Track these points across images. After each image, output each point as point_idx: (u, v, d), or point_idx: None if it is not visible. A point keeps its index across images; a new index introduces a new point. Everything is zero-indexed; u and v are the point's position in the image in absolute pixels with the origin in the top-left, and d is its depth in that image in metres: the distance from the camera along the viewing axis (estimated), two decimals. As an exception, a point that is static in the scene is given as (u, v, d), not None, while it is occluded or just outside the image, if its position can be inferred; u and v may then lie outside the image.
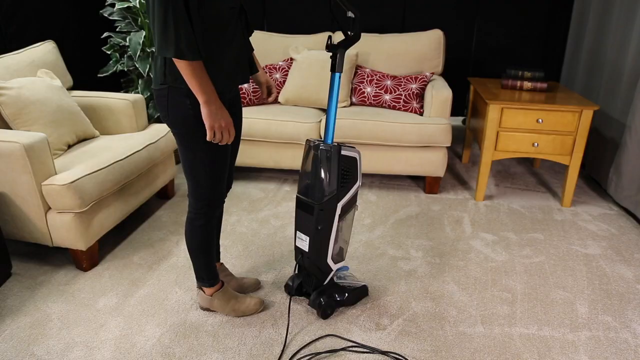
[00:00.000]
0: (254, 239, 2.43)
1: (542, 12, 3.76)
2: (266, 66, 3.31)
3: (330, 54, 1.69)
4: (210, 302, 1.85)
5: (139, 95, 2.70)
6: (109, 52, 3.25)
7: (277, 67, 3.30)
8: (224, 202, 1.75)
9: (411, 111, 3.01)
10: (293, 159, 3.00)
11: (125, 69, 3.21)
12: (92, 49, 3.69)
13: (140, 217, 2.65)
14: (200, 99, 1.46)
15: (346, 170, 1.71)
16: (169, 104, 1.54)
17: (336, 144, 1.67)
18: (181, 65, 1.41)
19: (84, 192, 2.01)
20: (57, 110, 2.31)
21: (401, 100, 3.03)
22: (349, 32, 1.68)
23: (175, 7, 1.36)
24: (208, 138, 1.51)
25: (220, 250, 2.32)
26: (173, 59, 1.42)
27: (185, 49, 1.39)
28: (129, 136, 2.53)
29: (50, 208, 2.04)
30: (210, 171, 1.62)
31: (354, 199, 1.80)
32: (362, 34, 3.38)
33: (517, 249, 2.36)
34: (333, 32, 3.79)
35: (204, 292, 1.85)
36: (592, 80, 3.23)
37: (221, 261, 2.22)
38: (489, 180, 3.20)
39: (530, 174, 3.32)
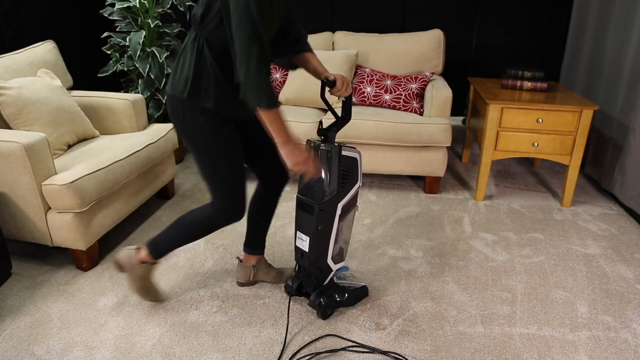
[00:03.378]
0: (254, 239, 2.43)
1: (542, 12, 3.76)
2: (266, 66, 3.31)
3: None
4: (131, 270, 1.83)
5: (139, 95, 2.70)
6: (109, 52, 3.25)
7: (277, 66, 3.30)
8: (245, 208, 1.77)
9: (411, 111, 3.01)
10: (293, 159, 2.99)
11: (125, 69, 3.21)
12: (92, 49, 3.70)
13: (140, 217, 2.65)
14: (279, 140, 1.53)
15: (346, 170, 1.71)
16: (185, 119, 1.60)
17: (337, 144, 1.67)
18: (265, 113, 1.48)
19: (84, 192, 2.01)
20: (57, 110, 2.31)
21: (401, 100, 3.03)
22: (340, 115, 1.72)
23: (266, 58, 1.44)
24: (293, 174, 1.61)
25: (221, 249, 2.32)
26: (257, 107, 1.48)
27: (274, 99, 1.47)
28: (129, 136, 2.53)
29: (50, 208, 2.04)
30: (230, 180, 1.67)
31: (354, 200, 1.80)
32: (362, 34, 3.38)
33: (517, 249, 2.36)
34: (333, 31, 3.79)
35: (135, 255, 1.83)
36: (592, 80, 3.23)
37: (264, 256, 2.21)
38: (489, 180, 3.20)
39: (530, 174, 3.33)
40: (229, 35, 1.47)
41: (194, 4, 3.49)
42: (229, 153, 1.64)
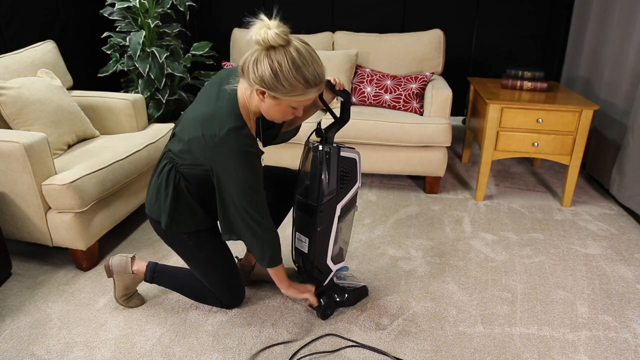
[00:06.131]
0: (254, 239, 2.43)
1: (542, 12, 3.76)
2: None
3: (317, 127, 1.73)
4: (120, 278, 1.86)
5: (139, 95, 2.70)
6: (109, 52, 3.25)
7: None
8: (241, 298, 1.89)
9: (411, 111, 3.01)
10: (292, 159, 3.00)
11: (125, 69, 3.22)
12: (92, 49, 3.70)
13: (140, 217, 2.65)
14: (283, 286, 1.72)
15: (345, 171, 1.71)
16: (169, 238, 1.72)
17: (335, 145, 1.67)
18: (271, 269, 1.66)
19: (84, 192, 2.01)
20: (57, 110, 2.31)
21: (401, 100, 3.03)
22: (338, 115, 1.73)
23: (268, 218, 1.57)
24: (308, 304, 1.82)
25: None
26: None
27: (278, 258, 1.65)
28: (129, 136, 2.53)
29: (50, 208, 2.04)
30: (222, 278, 1.79)
31: (353, 200, 1.80)
32: (362, 34, 3.38)
33: (517, 249, 2.36)
34: (333, 31, 3.79)
35: (129, 265, 1.85)
36: (593, 80, 3.23)
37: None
38: (489, 180, 3.20)
39: (530, 174, 3.33)
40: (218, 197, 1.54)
41: (194, 5, 3.49)
42: (216, 257, 1.75)
